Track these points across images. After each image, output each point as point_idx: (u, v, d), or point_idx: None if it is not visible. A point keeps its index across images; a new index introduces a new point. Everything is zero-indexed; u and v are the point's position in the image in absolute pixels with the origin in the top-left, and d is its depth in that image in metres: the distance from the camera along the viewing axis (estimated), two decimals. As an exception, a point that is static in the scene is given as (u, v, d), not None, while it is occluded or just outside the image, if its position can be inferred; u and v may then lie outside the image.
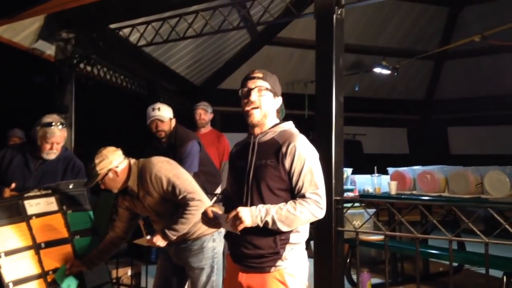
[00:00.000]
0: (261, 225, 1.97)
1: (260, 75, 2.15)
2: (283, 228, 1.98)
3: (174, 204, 2.62)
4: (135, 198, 2.73)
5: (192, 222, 2.57)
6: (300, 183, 2.02)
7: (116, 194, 2.82)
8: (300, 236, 2.10)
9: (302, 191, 2.02)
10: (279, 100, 2.20)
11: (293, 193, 2.05)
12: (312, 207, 1.99)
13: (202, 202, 2.57)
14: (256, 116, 2.12)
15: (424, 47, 8.95)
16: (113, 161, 2.64)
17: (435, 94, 10.71)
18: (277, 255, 2.04)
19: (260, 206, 2.00)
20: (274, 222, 1.96)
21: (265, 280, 2.06)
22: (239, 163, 2.18)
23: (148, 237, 2.61)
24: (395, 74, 8.16)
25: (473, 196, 3.97)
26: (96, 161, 2.63)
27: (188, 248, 2.71)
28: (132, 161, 2.73)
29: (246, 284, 2.11)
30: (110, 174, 2.64)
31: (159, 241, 2.57)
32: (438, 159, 6.48)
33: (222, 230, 2.76)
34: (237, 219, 1.94)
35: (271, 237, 2.02)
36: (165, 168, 2.65)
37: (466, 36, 6.86)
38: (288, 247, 2.05)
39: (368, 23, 8.82)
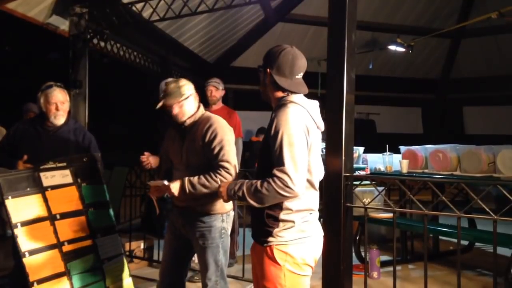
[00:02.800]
0: (235, 199, 2.08)
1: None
2: (254, 204, 2.02)
3: (207, 164, 2.64)
4: (179, 137, 2.77)
5: (212, 188, 2.55)
6: (273, 158, 2.02)
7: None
8: (291, 214, 2.07)
9: (274, 167, 1.99)
10: (267, 73, 2.16)
11: None
12: (277, 185, 1.95)
13: (231, 177, 2.58)
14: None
15: (440, 25, 8.78)
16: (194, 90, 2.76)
17: (451, 73, 10.55)
18: (266, 230, 2.07)
19: (238, 181, 2.10)
20: (244, 197, 2.03)
21: (261, 253, 2.11)
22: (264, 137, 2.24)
23: (166, 182, 2.60)
24: (410, 51, 8.03)
25: (485, 175, 3.94)
26: (182, 83, 2.71)
27: (197, 225, 2.72)
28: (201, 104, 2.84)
29: (253, 255, 2.21)
30: (190, 99, 2.73)
31: (175, 189, 2.58)
32: (452, 139, 6.43)
33: (232, 212, 2.85)
34: (219, 193, 2.16)
35: (262, 211, 2.07)
36: (224, 130, 2.68)
37: (484, 14, 6.70)
38: (280, 224, 2.06)
39: (384, 0, 8.66)
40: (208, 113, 2.82)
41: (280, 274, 2.05)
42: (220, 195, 2.14)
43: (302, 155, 2.00)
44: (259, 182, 2.00)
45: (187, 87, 2.73)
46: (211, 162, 2.63)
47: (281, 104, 2.12)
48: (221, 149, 2.61)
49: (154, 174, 4.97)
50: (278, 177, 1.95)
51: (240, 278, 4.09)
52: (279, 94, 2.17)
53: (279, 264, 2.06)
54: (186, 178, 2.60)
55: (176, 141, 2.80)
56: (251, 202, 2.02)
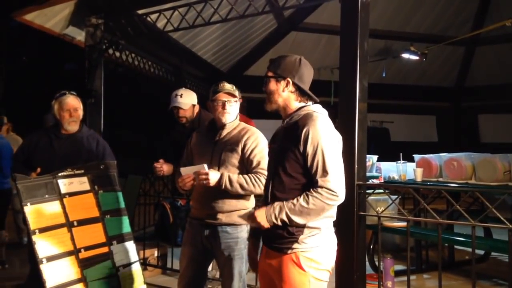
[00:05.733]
0: (278, 223, 2.05)
1: (269, 63, 2.24)
2: (301, 222, 2.03)
3: (240, 169, 2.68)
4: (209, 140, 2.78)
5: (247, 191, 2.57)
6: (313, 168, 2.03)
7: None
8: (319, 222, 2.10)
9: (316, 177, 2.03)
10: (286, 82, 2.17)
11: (310, 176, 2.07)
12: (325, 196, 2.00)
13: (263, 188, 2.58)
14: (265, 104, 2.23)
15: (455, 33, 8.73)
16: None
17: (466, 81, 10.47)
18: (292, 237, 2.08)
19: (275, 204, 2.07)
20: (290, 219, 2.02)
21: (283, 261, 2.11)
22: (272, 146, 2.28)
23: (206, 166, 2.56)
24: (424, 59, 8.01)
25: (500, 184, 3.90)
26: (235, 87, 2.78)
27: (222, 236, 2.71)
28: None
29: (270, 263, 2.19)
30: (238, 105, 2.78)
31: (213, 177, 2.54)
32: (468, 147, 6.37)
33: None
34: (255, 222, 2.10)
35: None
36: (263, 141, 2.74)
37: (499, 22, 6.66)
38: (306, 231, 2.08)
39: (398, 9, 8.66)
40: (243, 123, 2.85)
41: (305, 280, 2.08)
42: (257, 224, 2.09)
43: (341, 163, 2.09)
44: (301, 199, 2.02)
45: (238, 93, 2.80)
46: (247, 168, 2.67)
47: (305, 114, 2.14)
48: (260, 159, 2.65)
49: (168, 182, 5.03)
50: (325, 187, 2.00)
51: (254, 286, 4.09)
52: (297, 103, 2.20)
53: (304, 271, 2.07)
54: (226, 173, 2.59)
55: (204, 144, 2.81)
56: (298, 221, 2.03)
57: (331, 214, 2.14)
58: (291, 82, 2.17)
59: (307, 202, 1.99)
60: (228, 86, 2.76)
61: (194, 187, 2.75)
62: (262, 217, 2.07)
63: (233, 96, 2.76)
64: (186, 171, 2.64)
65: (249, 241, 2.50)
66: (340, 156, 2.10)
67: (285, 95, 2.19)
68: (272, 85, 2.19)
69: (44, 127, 4.89)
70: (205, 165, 2.58)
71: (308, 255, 2.08)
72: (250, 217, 2.15)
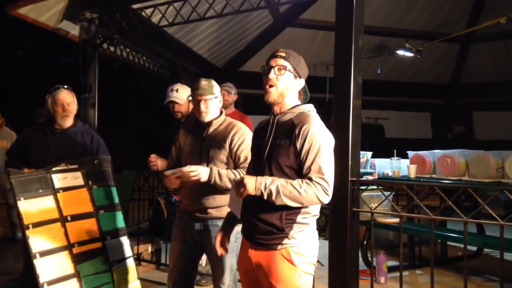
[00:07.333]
0: (264, 193, 2.00)
1: (283, 54, 2.18)
2: (286, 201, 1.99)
3: (228, 165, 2.69)
4: (196, 137, 2.79)
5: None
6: (307, 165, 2.04)
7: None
8: (308, 217, 2.12)
9: (309, 174, 2.03)
10: (301, 82, 2.21)
11: (301, 173, 2.07)
12: (318, 190, 2.00)
13: None
14: (271, 94, 2.16)
15: (450, 30, 8.75)
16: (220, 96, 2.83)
17: (461, 78, 10.50)
18: (283, 233, 2.08)
19: (268, 176, 2.06)
20: (278, 192, 1.98)
21: (272, 257, 2.11)
22: (258, 141, 2.24)
23: (193, 166, 2.59)
24: (419, 56, 8.02)
25: (493, 180, 3.93)
26: (213, 83, 2.77)
27: (213, 230, 2.71)
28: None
29: (255, 260, 2.17)
30: (217, 100, 2.77)
31: (203, 173, 2.57)
32: (462, 144, 6.38)
33: None
34: (242, 185, 2.04)
35: (278, 214, 2.07)
36: (250, 136, 2.72)
37: (494, 19, 6.68)
38: (295, 226, 2.09)
39: (393, 5, 8.67)
40: (230, 118, 2.86)
41: (295, 275, 2.09)
42: (242, 187, 2.03)
43: (333, 165, 2.10)
44: (295, 182, 2.00)
45: (217, 88, 2.79)
46: (235, 163, 2.68)
47: (300, 112, 2.15)
48: (247, 155, 2.65)
49: (162, 177, 5.02)
50: (320, 184, 2.00)
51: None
52: (296, 101, 2.22)
53: (294, 265, 2.09)
54: (215, 168, 2.61)
55: (192, 142, 2.81)
56: (284, 199, 1.99)
57: (316, 212, 2.17)
58: (304, 83, 2.21)
59: (300, 187, 1.99)
60: (203, 84, 2.75)
61: (184, 185, 2.75)
62: (251, 183, 2.02)
63: (209, 93, 2.75)
64: (169, 173, 2.65)
65: (222, 228, 2.44)
66: (333, 157, 2.11)
67: (295, 93, 2.20)
68: (290, 79, 2.16)
69: (35, 121, 4.88)
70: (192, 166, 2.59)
71: (298, 249, 2.10)
72: (237, 182, 2.08)
